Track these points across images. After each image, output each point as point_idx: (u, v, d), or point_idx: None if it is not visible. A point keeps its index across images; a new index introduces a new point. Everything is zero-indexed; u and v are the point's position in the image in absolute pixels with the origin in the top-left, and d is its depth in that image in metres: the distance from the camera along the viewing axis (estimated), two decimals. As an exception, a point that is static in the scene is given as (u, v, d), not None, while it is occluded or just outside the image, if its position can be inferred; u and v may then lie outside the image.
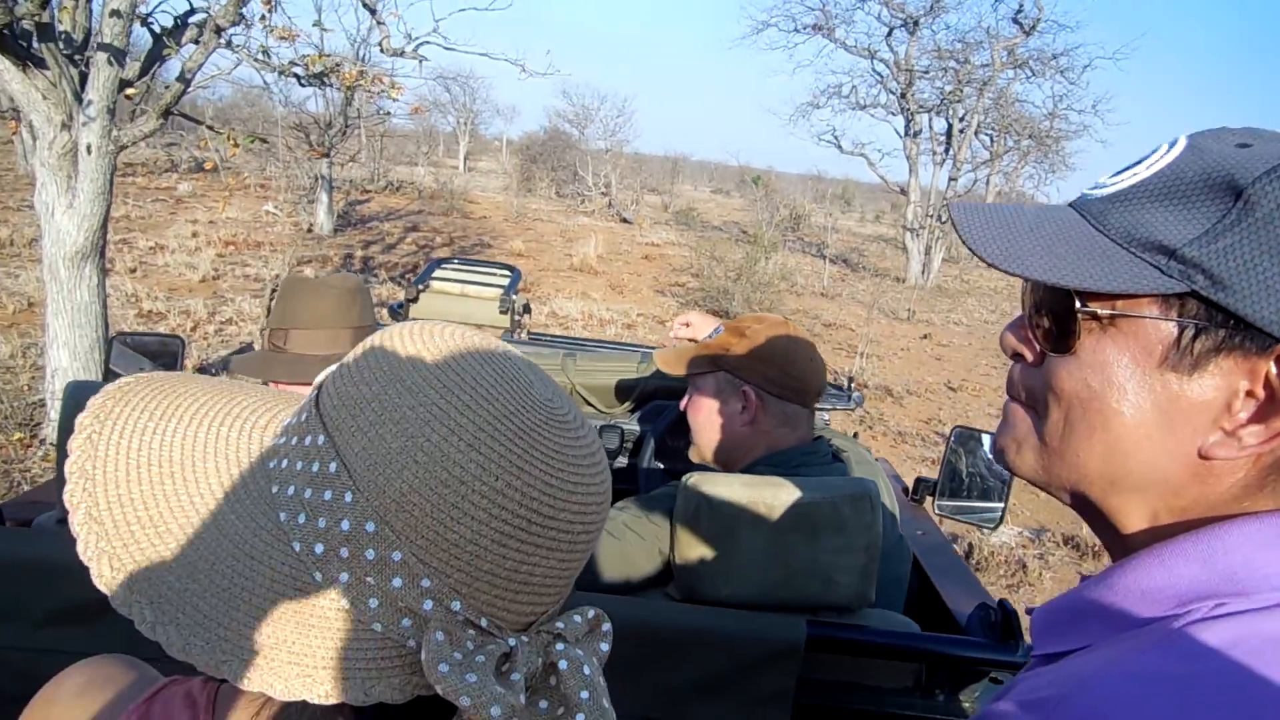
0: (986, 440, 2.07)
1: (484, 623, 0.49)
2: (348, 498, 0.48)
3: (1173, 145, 0.55)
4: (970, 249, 0.57)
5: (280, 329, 1.55)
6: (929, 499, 2.13)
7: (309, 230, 12.65)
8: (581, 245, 13.84)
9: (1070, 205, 0.58)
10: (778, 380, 1.46)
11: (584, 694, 0.49)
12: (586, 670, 0.50)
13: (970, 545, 4.94)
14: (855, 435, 2.21)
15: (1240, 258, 0.49)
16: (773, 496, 1.23)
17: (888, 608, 1.41)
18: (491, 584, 0.49)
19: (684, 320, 1.82)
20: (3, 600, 1.09)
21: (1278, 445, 0.51)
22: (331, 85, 4.49)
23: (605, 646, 0.53)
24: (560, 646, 0.50)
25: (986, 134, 17.37)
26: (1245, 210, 0.49)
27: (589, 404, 2.31)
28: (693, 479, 1.25)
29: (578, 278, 12.01)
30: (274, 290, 1.60)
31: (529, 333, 3.16)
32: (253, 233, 11.81)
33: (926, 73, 16.71)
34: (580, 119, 28.04)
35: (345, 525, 0.48)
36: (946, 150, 16.42)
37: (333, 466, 0.49)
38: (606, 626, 0.54)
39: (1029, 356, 0.59)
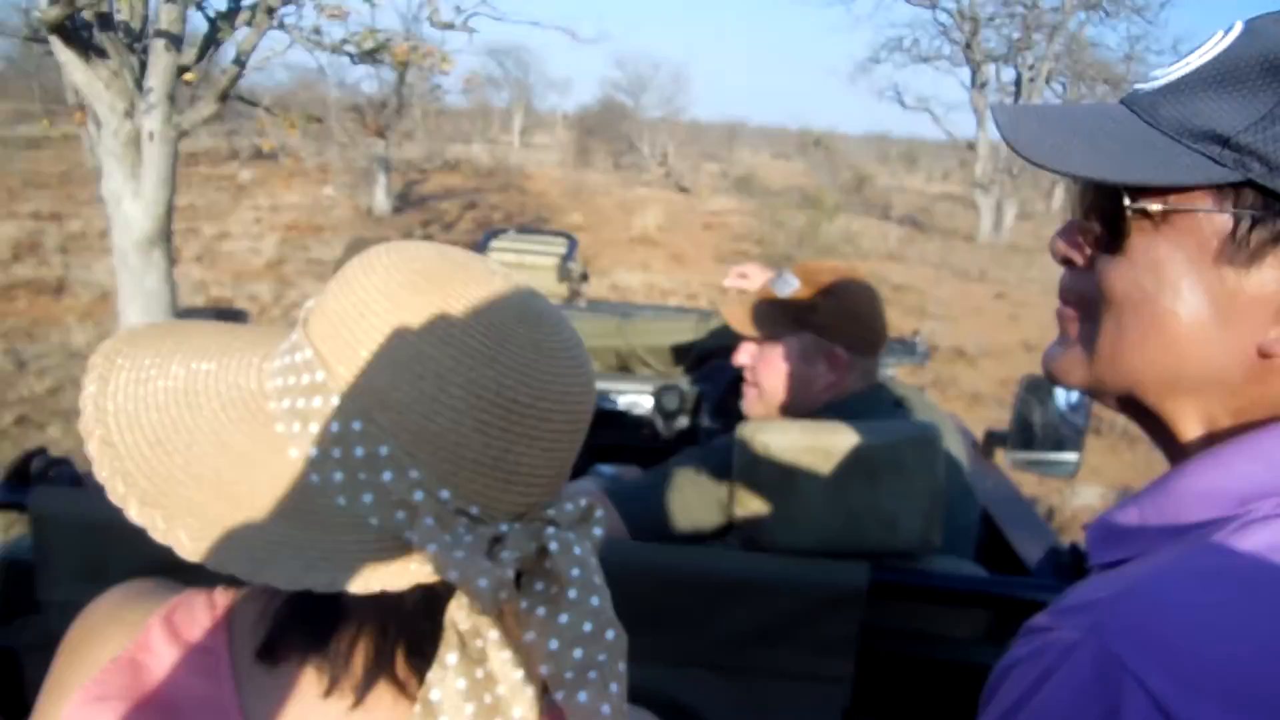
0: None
1: (474, 510, 0.52)
2: (334, 401, 0.52)
3: (1228, 31, 0.53)
4: (1013, 148, 0.56)
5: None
6: (1000, 452, 2.11)
7: (368, 212, 12.88)
8: (640, 216, 13.84)
9: (1121, 102, 0.57)
10: (864, 339, 1.46)
11: (574, 570, 0.52)
12: (578, 550, 0.52)
13: (1051, 509, 4.85)
14: (923, 390, 2.19)
15: None
16: (831, 441, 1.23)
17: (955, 553, 1.40)
18: (477, 472, 0.52)
19: (740, 271, 1.82)
20: (93, 560, 1.15)
21: None
22: (383, 62, 4.55)
23: (599, 531, 0.56)
24: (551, 530, 0.53)
25: (1059, 81, 16.80)
26: None
27: (648, 365, 2.33)
28: (748, 428, 1.26)
29: (638, 249, 12.03)
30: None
31: (588, 301, 3.19)
32: (313, 216, 12.08)
33: (992, 20, 16.22)
34: (635, 88, 27.93)
35: (335, 427, 0.52)
36: (1016, 100, 15.94)
37: (319, 375, 0.53)
38: (600, 513, 0.56)
39: (1079, 261, 0.58)
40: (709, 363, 2.29)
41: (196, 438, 0.53)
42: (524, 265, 3.04)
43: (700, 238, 13.38)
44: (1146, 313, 0.53)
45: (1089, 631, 0.46)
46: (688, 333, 2.29)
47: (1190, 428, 0.55)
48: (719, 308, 1.65)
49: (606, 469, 1.88)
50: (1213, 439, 0.54)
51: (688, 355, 2.30)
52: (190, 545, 0.50)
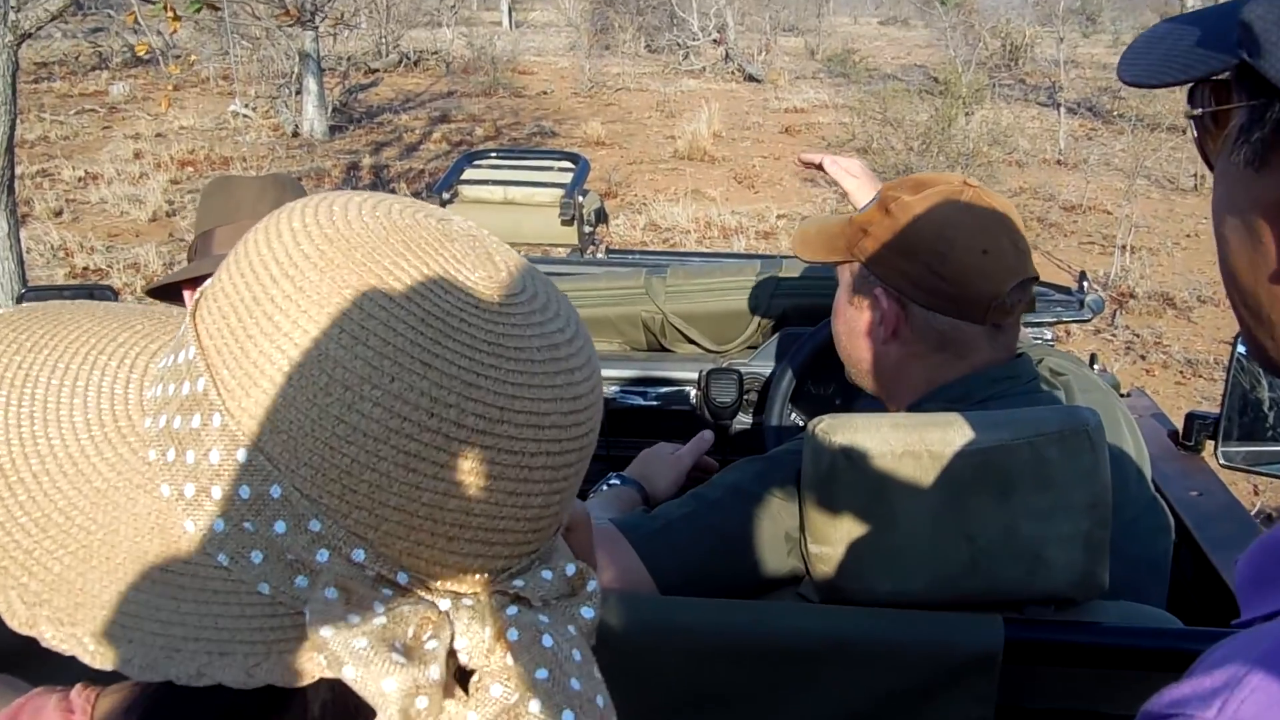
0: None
1: (401, 578, 0.53)
2: (216, 421, 0.53)
3: None
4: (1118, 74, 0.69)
5: (203, 233, 1.79)
6: (1210, 444, 2.09)
7: (294, 134, 12.99)
8: (689, 121, 13.78)
9: None
10: (924, 282, 1.46)
11: (541, 673, 0.52)
12: (547, 641, 0.53)
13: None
14: (1093, 360, 2.17)
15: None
16: (940, 441, 1.24)
17: (1136, 598, 1.40)
18: (406, 526, 0.53)
19: (843, 163, 1.89)
20: None
21: None
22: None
23: (588, 613, 0.56)
24: (513, 611, 0.54)
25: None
26: None
27: (691, 339, 2.34)
28: (822, 424, 1.28)
29: (685, 170, 12.00)
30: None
31: (608, 249, 3.20)
32: (217, 145, 12.20)
33: None
34: (674, -67, 27.68)
35: (214, 456, 0.53)
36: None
37: (200, 384, 0.54)
38: (592, 586, 0.57)
39: None
40: (784, 332, 2.31)
41: (49, 466, 0.55)
42: (513, 202, 3.05)
43: (778, 147, 13.30)
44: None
45: None
46: (746, 288, 2.31)
47: None
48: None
49: (624, 480, 1.90)
50: None
51: (748, 322, 2.32)
52: (24, 613, 0.51)
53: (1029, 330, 2.33)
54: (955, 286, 1.44)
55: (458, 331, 0.53)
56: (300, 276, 0.53)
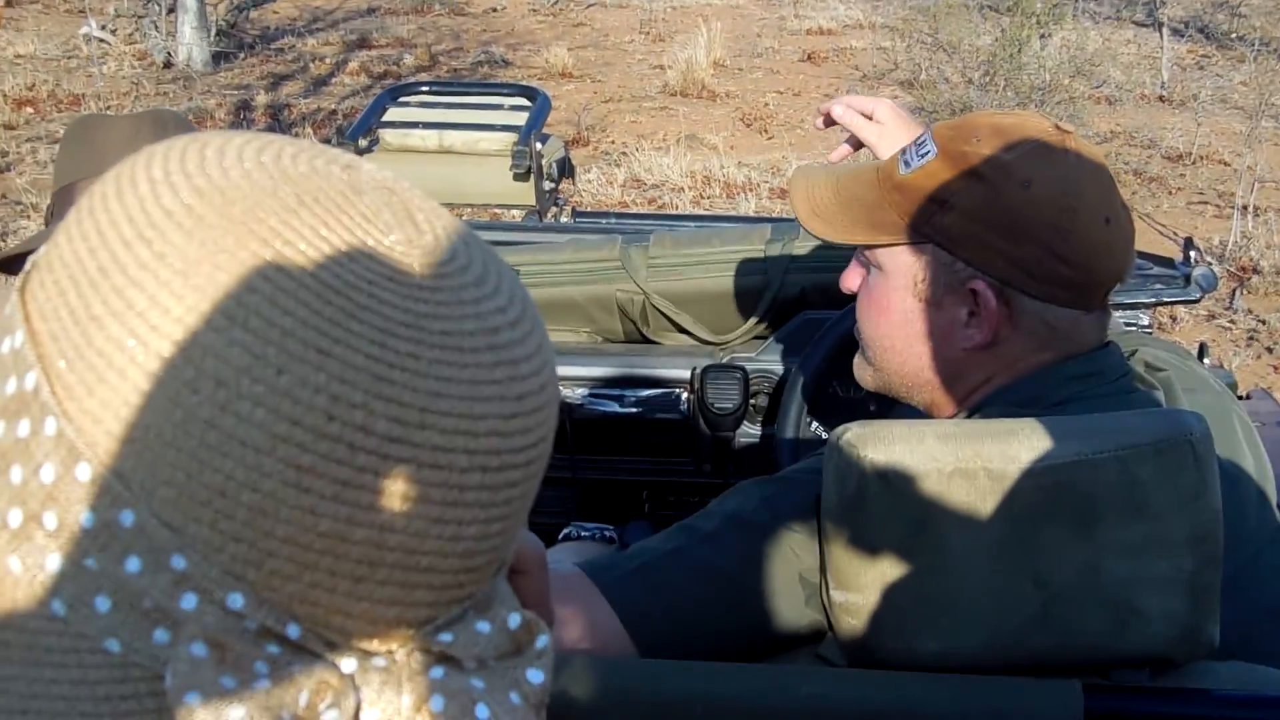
0: None
1: (293, 631, 0.53)
2: (49, 428, 0.52)
3: None
4: None
5: (62, 188, 1.83)
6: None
7: (167, 65, 12.94)
8: (682, 46, 13.77)
9: None
10: (1041, 268, 1.44)
11: None
12: (482, 713, 0.53)
13: None
14: (1203, 351, 2.18)
15: None
16: (1000, 455, 1.24)
17: (1256, 658, 1.41)
18: (299, 563, 0.52)
19: (860, 105, 1.86)
20: None
21: None
22: None
23: (537, 677, 0.56)
24: (439, 673, 0.54)
25: None
26: None
27: (681, 326, 2.34)
28: (849, 434, 1.28)
29: (678, 109, 11.99)
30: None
31: (574, 211, 3.20)
32: (65, 79, 12.16)
33: None
34: None
35: (47, 473, 0.52)
36: None
37: (30, 379, 0.53)
38: (542, 642, 0.57)
39: None
40: (801, 317, 2.32)
41: None
42: (450, 150, 3.05)
43: (798, 79, 13.30)
44: None
45: None
46: (757, 262, 2.32)
47: None
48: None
49: (593, 530, 1.90)
50: None
51: (755, 304, 2.33)
52: None
53: (1119, 314, 2.32)
54: (1079, 270, 1.44)
55: (366, 310, 0.52)
56: (161, 240, 0.52)
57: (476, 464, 0.54)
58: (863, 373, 1.63)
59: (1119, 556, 1.24)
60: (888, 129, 1.86)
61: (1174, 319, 6.79)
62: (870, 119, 1.87)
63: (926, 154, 1.50)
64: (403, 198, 0.58)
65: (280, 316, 0.51)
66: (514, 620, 0.57)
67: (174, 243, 0.52)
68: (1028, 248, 1.43)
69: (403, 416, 0.52)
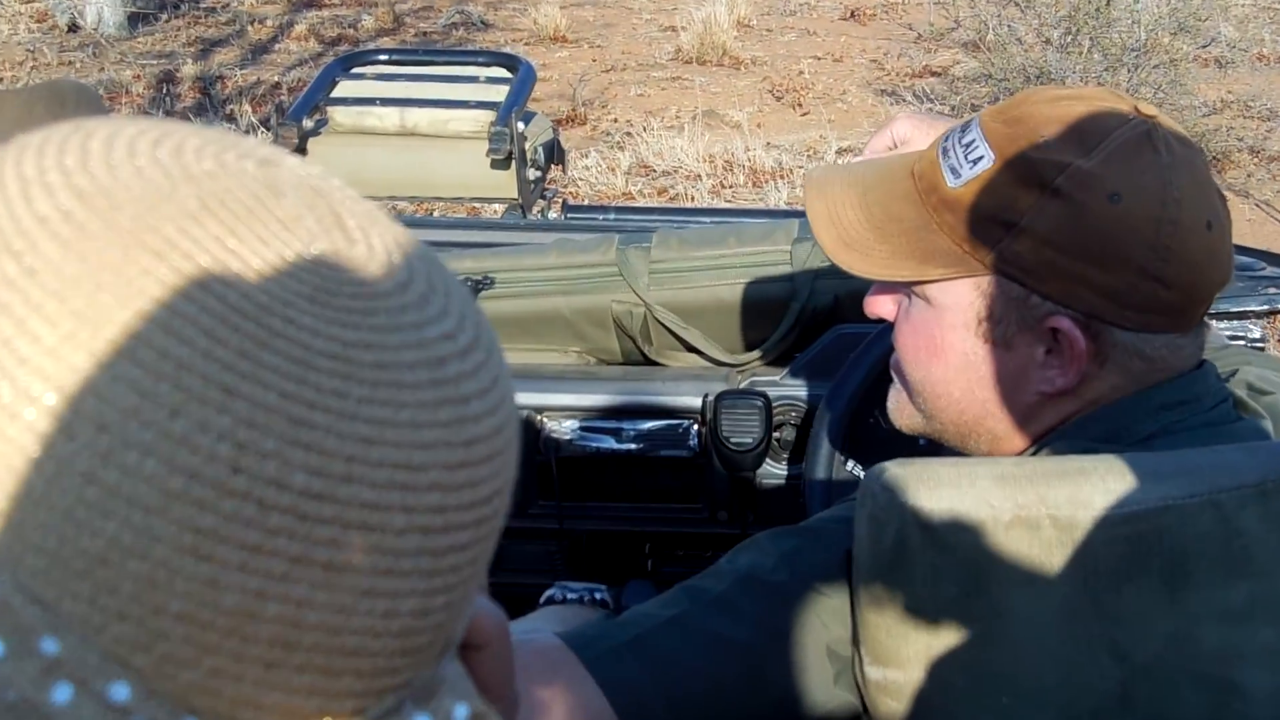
0: None
1: None
2: None
3: None
4: None
5: None
6: None
7: (72, 28, 12.94)
8: (698, 5, 13.75)
9: None
10: (1135, 295, 1.38)
11: None
12: None
13: None
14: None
15: None
16: (1070, 501, 1.24)
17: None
18: (198, 646, 0.53)
19: (880, 146, 1.80)
20: None
21: None
22: None
23: None
24: None
25: None
26: None
27: (689, 348, 2.36)
28: (887, 474, 1.28)
29: (693, 79, 11.98)
30: None
31: (565, 205, 3.21)
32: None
33: None
34: None
35: None
36: None
37: None
38: None
39: None
40: (835, 332, 2.33)
41: None
42: (414, 132, 3.05)
43: (836, 43, 13.28)
44: None
45: None
46: (775, 267, 2.35)
47: None
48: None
49: (580, 592, 1.91)
50: None
51: (778, 320, 2.35)
52: None
53: (1220, 325, 2.33)
54: (1181, 291, 1.38)
55: (281, 339, 0.53)
56: (31, 253, 0.53)
57: (416, 524, 0.55)
58: (905, 416, 1.59)
59: (1215, 623, 1.24)
60: (914, 145, 1.77)
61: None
62: (890, 141, 1.82)
63: (980, 160, 1.43)
64: (330, 201, 0.59)
65: (176, 346, 0.51)
66: (460, 712, 0.58)
67: (48, 256, 0.53)
68: (1120, 274, 1.37)
69: (325, 468, 0.53)
